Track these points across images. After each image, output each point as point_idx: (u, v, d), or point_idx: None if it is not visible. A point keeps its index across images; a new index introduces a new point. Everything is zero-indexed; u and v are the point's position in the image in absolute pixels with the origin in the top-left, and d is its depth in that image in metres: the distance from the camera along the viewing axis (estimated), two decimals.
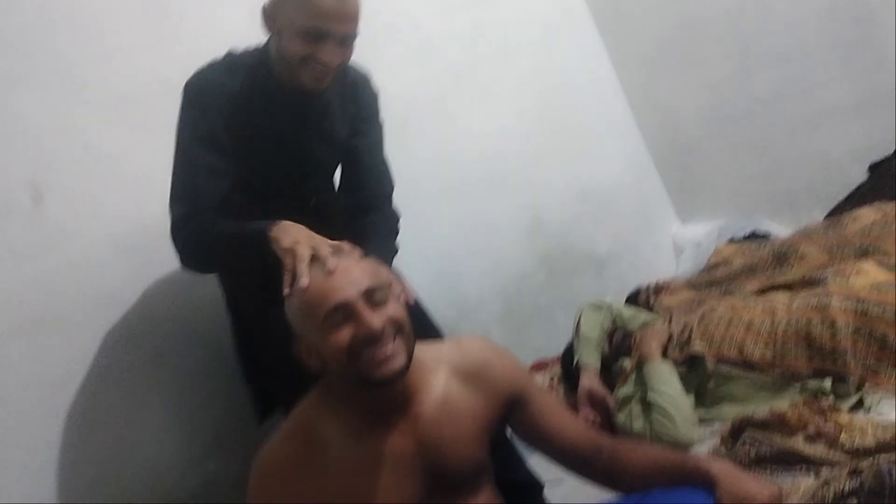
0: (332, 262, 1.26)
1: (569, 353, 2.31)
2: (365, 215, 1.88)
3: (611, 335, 2.28)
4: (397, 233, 1.90)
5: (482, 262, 2.83)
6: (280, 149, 1.76)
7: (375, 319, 1.20)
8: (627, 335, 2.23)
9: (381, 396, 1.28)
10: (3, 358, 1.75)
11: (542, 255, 3.00)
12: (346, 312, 1.21)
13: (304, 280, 1.25)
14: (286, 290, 1.31)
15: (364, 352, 1.20)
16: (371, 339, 1.20)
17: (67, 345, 1.87)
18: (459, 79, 2.96)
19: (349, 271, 1.25)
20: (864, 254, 1.98)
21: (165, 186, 1.69)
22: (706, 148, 3.36)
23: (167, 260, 1.89)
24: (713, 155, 3.34)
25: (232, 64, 1.73)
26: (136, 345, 1.99)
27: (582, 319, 2.29)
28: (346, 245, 1.35)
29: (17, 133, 1.86)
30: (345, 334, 1.20)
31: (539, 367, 2.57)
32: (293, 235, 1.42)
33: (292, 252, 1.35)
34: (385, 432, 1.29)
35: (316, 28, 1.56)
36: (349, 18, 1.59)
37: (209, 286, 1.92)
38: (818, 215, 2.67)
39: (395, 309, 1.25)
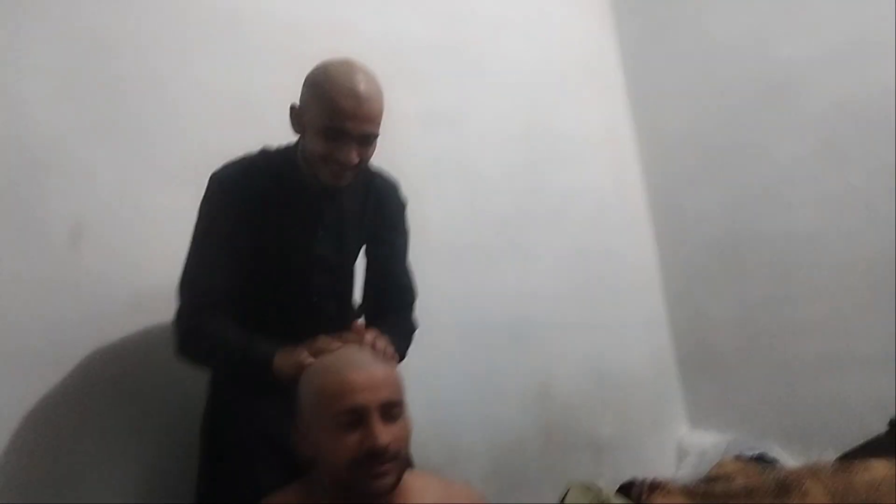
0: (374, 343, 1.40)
1: None
2: (384, 317, 1.87)
3: None
4: (410, 341, 1.88)
5: (481, 416, 2.77)
6: (289, 244, 1.80)
7: (385, 436, 1.21)
8: None
9: None
10: None
11: (543, 424, 2.95)
12: (359, 416, 1.22)
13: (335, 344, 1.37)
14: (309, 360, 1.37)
15: (363, 463, 1.20)
16: (376, 455, 1.20)
17: (56, 387, 1.84)
18: (507, 233, 3.02)
19: (374, 375, 1.27)
20: None
21: None
22: (730, 362, 3.36)
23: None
24: (736, 371, 3.33)
25: (260, 160, 1.78)
26: (122, 403, 1.95)
27: (568, 497, 2.22)
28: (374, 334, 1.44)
29: (75, 172, 1.93)
30: (352, 441, 1.21)
31: None
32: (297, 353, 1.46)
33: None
34: None
35: (334, 128, 1.61)
36: (368, 119, 1.63)
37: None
38: (829, 455, 2.60)
39: (402, 429, 1.27)
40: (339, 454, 1.21)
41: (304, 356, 1.42)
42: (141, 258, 2.01)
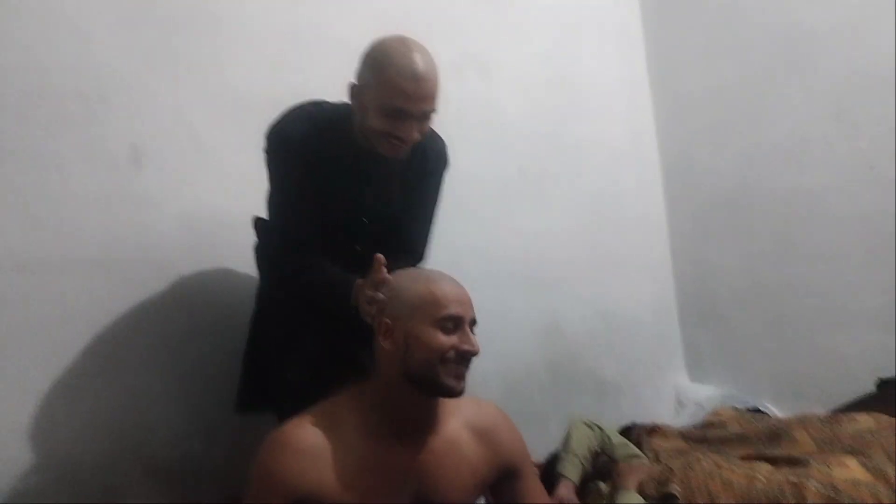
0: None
1: (553, 460, 2.39)
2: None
3: (595, 456, 2.36)
4: None
5: (494, 350, 2.84)
6: (339, 198, 1.87)
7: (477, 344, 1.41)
8: (611, 462, 2.31)
9: (410, 410, 1.43)
10: (41, 287, 1.88)
11: (552, 361, 3.09)
12: (455, 324, 1.40)
13: None
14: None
15: (453, 362, 1.39)
16: (468, 357, 1.41)
17: (113, 294, 1.99)
18: (527, 177, 3.15)
19: (468, 296, 1.48)
20: (851, 454, 2.05)
21: (243, 189, 1.89)
22: (731, 316, 3.48)
23: (219, 253, 2.10)
24: (735, 325, 3.46)
25: (317, 112, 1.84)
26: (163, 317, 2.09)
27: (573, 432, 2.37)
28: None
29: (135, 100, 2.05)
30: (450, 341, 1.39)
31: None
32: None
33: None
34: (395, 448, 1.42)
35: (397, 108, 1.68)
36: (427, 99, 1.70)
37: (245, 286, 2.05)
38: (818, 411, 2.74)
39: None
40: (436, 349, 1.38)
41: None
42: (192, 183, 2.13)
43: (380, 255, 1.60)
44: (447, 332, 1.40)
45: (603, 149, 3.48)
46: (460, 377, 1.41)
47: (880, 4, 2.86)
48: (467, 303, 1.46)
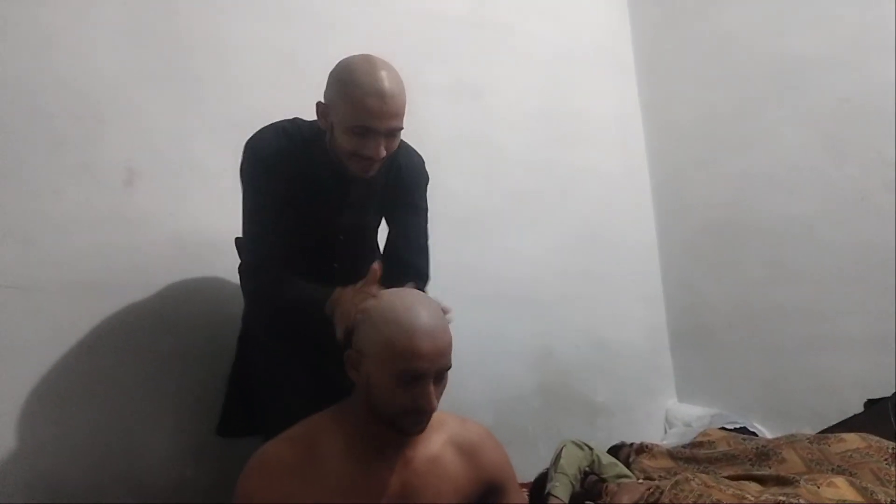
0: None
1: (541, 480, 2.40)
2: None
3: (585, 476, 2.37)
4: None
5: (485, 373, 2.92)
6: (317, 214, 1.87)
7: (436, 400, 1.35)
8: (600, 482, 2.32)
9: (387, 432, 1.40)
10: (33, 307, 1.89)
11: (543, 385, 3.10)
12: (417, 377, 1.33)
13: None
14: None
15: (407, 416, 1.35)
16: (425, 413, 1.35)
17: (105, 315, 2.00)
18: (520, 205, 3.17)
19: (438, 346, 1.35)
20: (839, 473, 2.08)
21: (237, 211, 1.83)
22: (720, 340, 3.49)
23: (212, 275, 2.10)
24: (725, 348, 3.46)
25: (294, 130, 1.84)
26: (155, 339, 2.10)
27: (563, 452, 2.38)
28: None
29: (130, 120, 2.07)
30: (407, 397, 1.34)
31: None
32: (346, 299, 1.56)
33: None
34: (377, 466, 1.41)
35: (363, 126, 1.67)
36: (392, 116, 1.68)
37: (236, 309, 2.03)
38: (808, 432, 2.76)
39: (444, 387, 1.40)
40: (392, 403, 1.35)
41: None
42: (186, 204, 2.15)
43: (376, 266, 1.58)
44: (406, 384, 1.33)
45: (595, 176, 3.52)
46: (418, 423, 1.38)
47: (870, 32, 2.89)
48: (435, 355, 1.33)
